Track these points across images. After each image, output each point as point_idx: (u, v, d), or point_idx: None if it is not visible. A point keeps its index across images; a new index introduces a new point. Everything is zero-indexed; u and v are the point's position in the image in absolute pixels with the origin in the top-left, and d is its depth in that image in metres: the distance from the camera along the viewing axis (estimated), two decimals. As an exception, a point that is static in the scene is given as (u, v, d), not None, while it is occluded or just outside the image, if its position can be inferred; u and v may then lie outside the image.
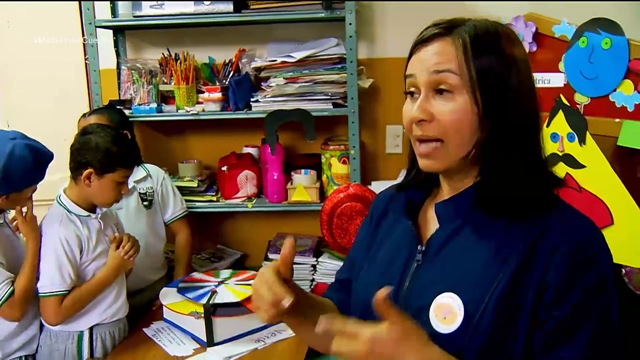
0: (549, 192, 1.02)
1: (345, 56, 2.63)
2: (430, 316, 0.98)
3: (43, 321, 2.04)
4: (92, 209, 2.09)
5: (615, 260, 1.73)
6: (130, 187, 2.42)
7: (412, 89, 1.02)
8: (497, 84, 0.97)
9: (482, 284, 0.95)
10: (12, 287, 1.91)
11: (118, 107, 2.64)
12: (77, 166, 2.04)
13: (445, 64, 0.97)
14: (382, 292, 0.89)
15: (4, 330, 2.00)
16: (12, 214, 2.13)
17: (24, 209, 2.00)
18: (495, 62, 0.97)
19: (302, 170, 2.80)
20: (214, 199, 2.83)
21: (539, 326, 0.94)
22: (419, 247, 1.06)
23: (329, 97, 2.67)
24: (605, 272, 0.97)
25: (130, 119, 2.64)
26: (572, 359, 0.93)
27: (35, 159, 1.96)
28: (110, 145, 2.03)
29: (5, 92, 3.05)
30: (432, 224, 1.08)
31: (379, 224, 1.21)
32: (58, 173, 2.30)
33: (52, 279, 1.96)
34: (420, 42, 1.01)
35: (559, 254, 0.94)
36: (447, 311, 0.97)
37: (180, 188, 2.77)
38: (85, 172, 2.02)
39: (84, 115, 2.47)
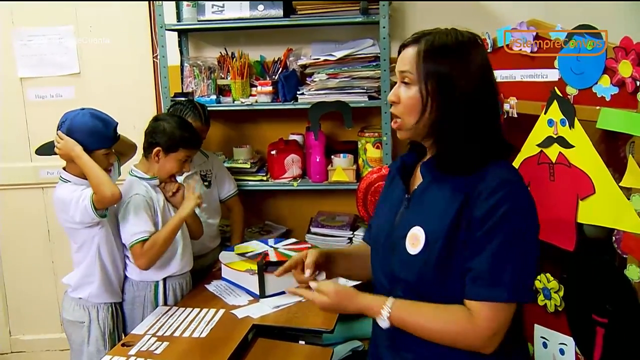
0: (490, 156, 1.32)
1: (379, 55, 2.84)
2: (406, 242, 1.36)
3: (136, 266, 2.32)
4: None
5: (594, 222, 2.05)
6: (194, 170, 2.75)
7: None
8: (440, 81, 1.30)
9: (438, 220, 1.31)
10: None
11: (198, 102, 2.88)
12: (148, 145, 2.38)
13: (407, 65, 1.34)
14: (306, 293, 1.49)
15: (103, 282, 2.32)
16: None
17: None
18: (440, 66, 1.30)
19: (341, 155, 3.02)
20: (265, 178, 3.08)
21: (467, 246, 1.28)
22: (406, 196, 1.44)
23: (364, 90, 2.88)
24: (519, 205, 1.27)
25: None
26: (480, 265, 1.26)
27: (95, 123, 2.22)
28: (175, 130, 2.36)
29: (84, 85, 3.34)
30: (419, 179, 1.44)
31: (391, 182, 1.57)
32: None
33: (140, 227, 2.28)
34: (402, 46, 1.38)
35: (484, 194, 1.27)
36: (415, 239, 1.35)
37: (235, 169, 3.05)
38: (155, 150, 2.35)
39: (183, 113, 2.72)
